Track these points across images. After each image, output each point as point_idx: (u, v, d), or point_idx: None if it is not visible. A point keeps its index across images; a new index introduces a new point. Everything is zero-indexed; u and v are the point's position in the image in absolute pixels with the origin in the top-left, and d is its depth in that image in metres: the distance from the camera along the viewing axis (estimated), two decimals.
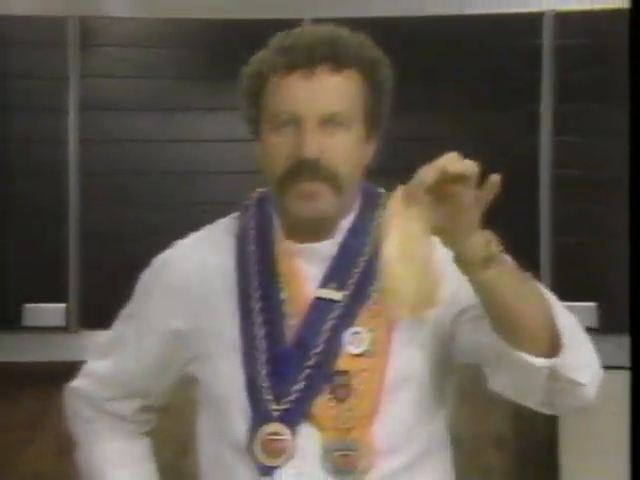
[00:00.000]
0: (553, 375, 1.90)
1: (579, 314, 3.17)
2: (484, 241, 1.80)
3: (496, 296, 1.90)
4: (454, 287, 2.01)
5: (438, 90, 3.13)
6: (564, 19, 3.30)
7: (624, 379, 3.29)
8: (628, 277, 3.26)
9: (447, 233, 1.80)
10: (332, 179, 2.04)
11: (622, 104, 3.24)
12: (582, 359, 1.93)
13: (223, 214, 2.24)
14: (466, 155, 3.28)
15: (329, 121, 2.02)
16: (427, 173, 1.70)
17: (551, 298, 1.98)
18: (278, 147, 2.05)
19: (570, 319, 1.96)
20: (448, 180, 1.71)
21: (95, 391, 2.31)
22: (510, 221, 3.17)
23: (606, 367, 3.20)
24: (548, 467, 3.38)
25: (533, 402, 1.98)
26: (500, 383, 2.01)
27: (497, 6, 3.32)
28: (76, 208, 3.37)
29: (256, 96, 2.08)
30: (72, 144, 3.37)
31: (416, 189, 1.73)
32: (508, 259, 1.88)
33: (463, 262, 1.83)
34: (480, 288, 1.88)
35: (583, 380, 1.91)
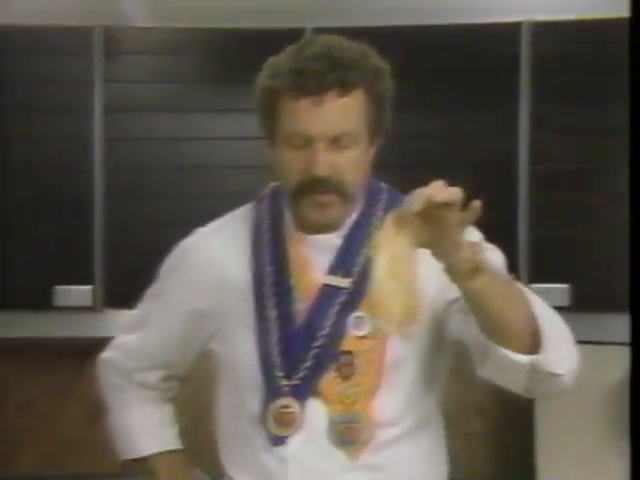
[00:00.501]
0: (534, 369, 1.93)
1: (553, 294, 3.22)
2: (470, 253, 1.81)
3: (484, 303, 1.92)
4: (444, 283, 2.00)
5: (427, 92, 3.14)
6: (540, 29, 3.30)
7: (594, 353, 3.32)
8: (599, 260, 3.29)
9: (436, 249, 1.80)
10: (341, 191, 2.08)
11: (592, 105, 3.29)
12: (560, 353, 1.96)
13: (232, 205, 2.28)
14: (452, 150, 3.29)
15: (338, 140, 2.03)
16: (415, 201, 1.72)
17: (532, 298, 1.98)
18: (292, 163, 2.06)
19: (550, 316, 2.01)
20: (435, 207, 1.71)
21: (124, 362, 2.33)
22: (491, 209, 3.16)
23: (581, 342, 3.24)
24: (525, 433, 3.41)
25: (516, 388, 2.01)
26: (486, 372, 2.02)
27: (480, 17, 3.32)
28: (101, 200, 3.39)
29: (270, 112, 2.08)
30: (97, 143, 3.39)
31: (405, 215, 1.75)
32: (493, 266, 1.89)
33: (452, 274, 1.84)
34: (469, 296, 1.91)
35: (561, 371, 1.94)
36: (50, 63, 3.40)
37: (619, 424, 3.37)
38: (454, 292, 2.00)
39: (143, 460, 2.37)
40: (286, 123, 2.04)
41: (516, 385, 2.00)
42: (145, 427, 2.37)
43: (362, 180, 2.14)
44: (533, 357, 1.92)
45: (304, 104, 2.00)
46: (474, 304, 1.92)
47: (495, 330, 1.96)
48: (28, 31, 3.38)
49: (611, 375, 3.39)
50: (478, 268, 1.82)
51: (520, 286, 1.99)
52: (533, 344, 1.92)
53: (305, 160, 2.03)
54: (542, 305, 2.00)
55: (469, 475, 3.34)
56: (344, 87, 2.01)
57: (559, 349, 1.94)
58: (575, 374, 2.00)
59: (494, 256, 2.17)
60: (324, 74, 2.00)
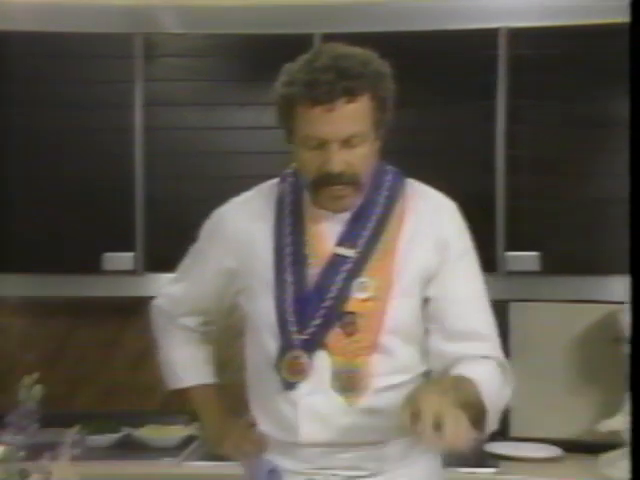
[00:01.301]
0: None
1: (525, 261, 3.23)
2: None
3: None
4: (434, 263, 2.15)
5: (416, 90, 3.13)
6: (515, 34, 3.28)
7: (560, 310, 3.35)
8: (565, 231, 3.30)
9: None
10: (354, 183, 2.13)
11: (561, 100, 3.29)
12: (494, 419, 2.05)
13: (251, 185, 2.31)
14: (439, 140, 3.28)
15: (348, 141, 2.07)
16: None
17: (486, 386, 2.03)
18: (309, 161, 2.11)
19: (494, 395, 2.05)
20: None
21: (169, 308, 2.41)
22: (473, 188, 3.23)
23: (546, 301, 3.27)
24: None
25: None
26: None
27: (463, 24, 3.30)
28: (141, 181, 3.40)
29: (287, 116, 2.12)
30: (137, 132, 3.39)
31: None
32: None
33: None
34: None
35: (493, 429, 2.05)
36: (98, 65, 3.40)
37: (583, 371, 3.39)
38: (432, 290, 2.13)
39: (184, 390, 2.42)
40: (302, 128, 2.08)
41: None
42: (187, 363, 2.42)
43: (370, 168, 2.16)
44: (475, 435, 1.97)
45: (317, 111, 2.04)
46: None
47: None
48: (80, 38, 3.38)
49: (575, 328, 3.40)
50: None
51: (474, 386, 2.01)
52: (481, 428, 1.99)
53: (321, 159, 2.07)
54: (490, 388, 2.05)
55: None
56: (351, 95, 2.05)
57: (495, 418, 2.05)
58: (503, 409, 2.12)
59: (467, 277, 2.22)
60: (334, 85, 2.03)
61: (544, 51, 3.28)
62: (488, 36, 3.27)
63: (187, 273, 2.37)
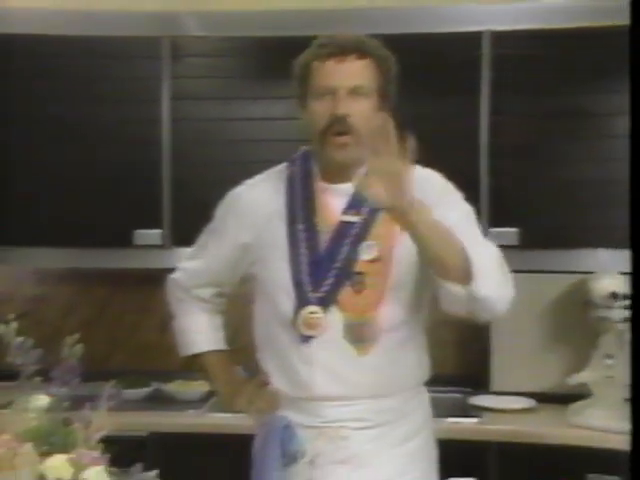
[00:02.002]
0: (470, 296, 1.98)
1: (506, 236, 3.24)
2: (405, 201, 1.86)
3: (419, 239, 1.96)
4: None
5: (410, 84, 3.07)
6: (497, 36, 3.27)
7: (537, 280, 3.35)
8: (541, 210, 3.29)
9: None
10: (356, 133, 2.11)
11: (539, 94, 3.27)
12: (491, 282, 2.00)
13: (264, 169, 2.32)
14: (429, 128, 3.29)
15: (355, 91, 2.11)
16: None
17: (474, 249, 1.98)
18: (320, 109, 2.13)
19: (481, 255, 1.99)
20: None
21: (185, 281, 2.39)
22: (460, 171, 3.15)
23: (524, 271, 3.28)
24: (484, 340, 3.43)
25: (463, 314, 2.05)
26: (443, 305, 2.08)
27: (451, 27, 3.29)
28: (168, 166, 3.40)
29: (305, 77, 2.16)
30: (165, 123, 3.39)
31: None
32: (430, 217, 1.93)
33: (390, 212, 1.92)
34: (408, 232, 1.95)
35: (491, 295, 1.98)
36: (131, 64, 3.41)
37: (555, 331, 3.39)
38: None
39: (197, 356, 2.42)
40: (316, 80, 2.13)
41: (462, 311, 2.04)
42: (199, 330, 2.41)
43: (371, 129, 2.07)
44: (467, 287, 1.97)
45: (330, 64, 2.10)
46: (413, 239, 1.96)
47: (433, 263, 2.02)
48: (114, 40, 3.39)
49: (549, 295, 3.40)
50: (409, 212, 1.87)
51: (454, 235, 1.99)
52: (469, 278, 1.96)
53: (330, 105, 2.10)
54: (482, 252, 2.01)
55: (442, 370, 3.37)
56: (360, 53, 2.12)
57: (489, 279, 1.98)
58: (509, 301, 2.04)
59: (457, 209, 2.20)
60: (346, 43, 2.11)
61: (523, 51, 3.27)
62: (473, 38, 3.26)
63: (204, 249, 2.36)
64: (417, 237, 1.96)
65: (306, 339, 2.17)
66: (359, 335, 2.17)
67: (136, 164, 3.40)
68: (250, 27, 3.37)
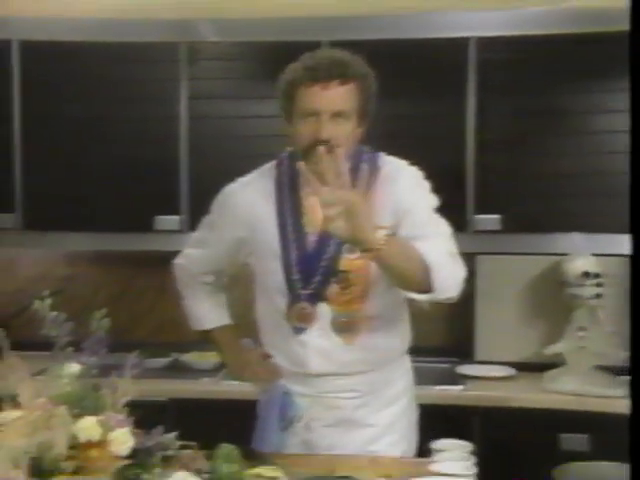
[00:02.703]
0: (432, 299, 2.01)
1: (489, 222, 3.22)
2: (370, 239, 1.85)
3: (387, 269, 1.96)
4: (402, 218, 2.09)
5: (403, 85, 3.12)
6: (483, 42, 3.25)
7: (513, 261, 3.35)
8: (520, 199, 3.28)
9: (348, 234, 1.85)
10: (336, 151, 2.05)
11: (520, 93, 3.25)
12: (449, 283, 2.00)
13: (269, 161, 2.31)
14: (419, 126, 3.26)
15: (337, 114, 2.06)
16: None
17: (427, 249, 1.98)
18: (305, 131, 2.08)
19: (437, 258, 1.98)
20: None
21: (190, 267, 2.38)
22: (448, 164, 3.21)
23: (506, 253, 3.26)
24: (469, 314, 3.42)
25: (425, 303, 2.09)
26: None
27: (441, 33, 3.27)
28: (185, 159, 3.39)
29: (290, 96, 2.11)
30: (182, 120, 3.38)
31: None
32: (392, 239, 1.91)
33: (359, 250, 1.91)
34: (376, 263, 1.94)
35: (449, 295, 2.00)
36: (151, 67, 3.40)
37: (533, 307, 3.39)
38: (404, 230, 2.05)
39: (207, 331, 2.42)
40: (302, 103, 2.08)
41: (425, 306, 2.10)
42: (207, 309, 2.41)
43: (351, 146, 2.13)
44: (428, 295, 1.99)
45: (315, 89, 2.05)
46: (378, 266, 1.96)
47: (397, 282, 2.04)
48: (137, 46, 3.38)
49: (528, 275, 3.40)
50: (370, 243, 1.85)
51: (414, 247, 1.97)
52: (430, 288, 1.96)
53: (314, 127, 2.06)
54: (434, 250, 1.99)
55: (431, 343, 3.37)
56: (344, 79, 2.06)
57: (448, 280, 1.99)
58: (461, 283, 2.03)
59: (423, 199, 2.17)
60: (330, 69, 2.05)
61: (506, 55, 3.25)
62: (461, 43, 3.24)
63: (204, 241, 2.35)
64: (382, 265, 1.96)
65: (299, 330, 2.19)
66: (345, 326, 2.17)
67: (157, 157, 3.38)
68: (259, 33, 3.35)
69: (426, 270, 1.96)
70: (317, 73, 2.05)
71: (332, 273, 2.14)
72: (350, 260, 2.12)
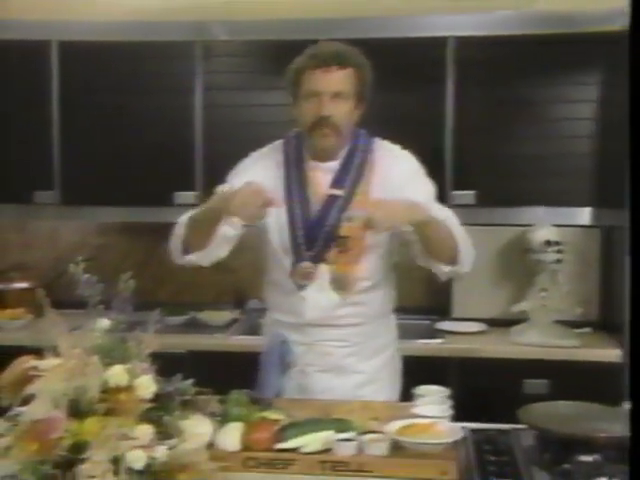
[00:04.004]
0: (453, 272, 2.08)
1: (465, 197, 3.20)
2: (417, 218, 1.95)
3: (426, 240, 2.02)
4: (397, 192, 2.09)
5: (389, 78, 3.01)
6: (461, 41, 3.22)
7: (486, 231, 3.31)
8: (492, 177, 3.25)
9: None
10: (336, 128, 2.12)
11: (495, 86, 3.22)
12: (467, 260, 2.07)
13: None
14: (406, 114, 3.22)
15: (337, 96, 2.08)
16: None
17: (453, 224, 2.04)
18: (308, 109, 2.11)
19: (462, 235, 2.05)
20: None
21: None
22: (429, 146, 3.14)
23: (479, 225, 3.23)
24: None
25: (439, 275, 2.14)
26: (421, 263, 2.14)
27: (422, 32, 3.24)
28: (200, 143, 3.37)
29: (297, 82, 2.14)
30: (197, 109, 3.37)
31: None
32: (433, 217, 1.96)
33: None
34: (419, 235, 2.01)
35: (466, 269, 2.06)
36: (170, 63, 3.38)
37: (503, 271, 3.37)
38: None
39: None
40: (306, 85, 2.10)
41: (439, 274, 2.12)
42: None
43: (350, 125, 2.15)
44: (452, 268, 2.04)
45: (318, 72, 2.08)
46: (421, 240, 2.02)
47: (433, 254, 2.06)
48: (157, 44, 3.35)
49: (498, 243, 3.38)
50: (422, 223, 1.93)
51: (448, 225, 2.03)
52: (455, 260, 2.03)
53: (316, 106, 2.08)
54: (457, 227, 2.06)
55: (413, 302, 3.36)
56: (343, 64, 2.08)
57: (467, 258, 2.06)
58: (473, 261, 2.10)
59: (425, 187, 2.21)
60: (331, 56, 2.08)
61: (480, 52, 3.22)
62: (440, 42, 3.22)
63: None
64: (425, 236, 1.99)
65: (301, 286, 2.18)
66: (342, 285, 2.17)
67: (176, 141, 3.37)
68: (265, 32, 3.33)
69: (455, 244, 2.00)
70: (319, 60, 2.08)
71: (333, 238, 2.14)
72: (348, 227, 2.11)
